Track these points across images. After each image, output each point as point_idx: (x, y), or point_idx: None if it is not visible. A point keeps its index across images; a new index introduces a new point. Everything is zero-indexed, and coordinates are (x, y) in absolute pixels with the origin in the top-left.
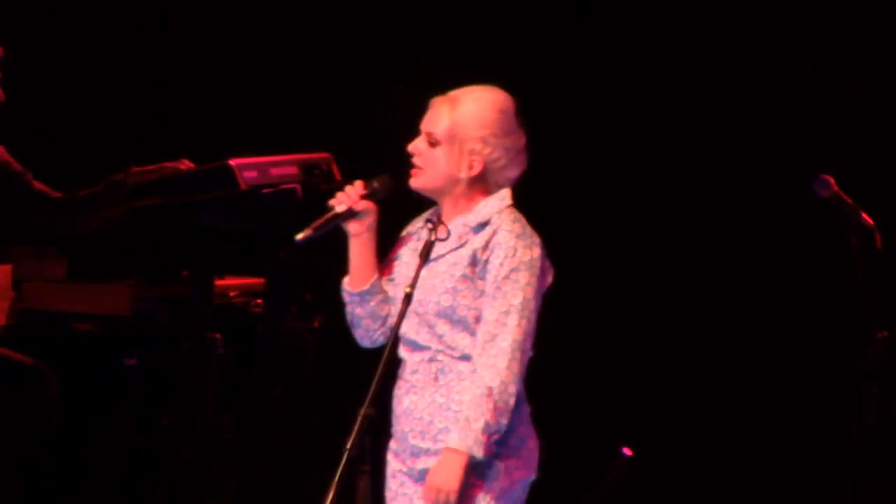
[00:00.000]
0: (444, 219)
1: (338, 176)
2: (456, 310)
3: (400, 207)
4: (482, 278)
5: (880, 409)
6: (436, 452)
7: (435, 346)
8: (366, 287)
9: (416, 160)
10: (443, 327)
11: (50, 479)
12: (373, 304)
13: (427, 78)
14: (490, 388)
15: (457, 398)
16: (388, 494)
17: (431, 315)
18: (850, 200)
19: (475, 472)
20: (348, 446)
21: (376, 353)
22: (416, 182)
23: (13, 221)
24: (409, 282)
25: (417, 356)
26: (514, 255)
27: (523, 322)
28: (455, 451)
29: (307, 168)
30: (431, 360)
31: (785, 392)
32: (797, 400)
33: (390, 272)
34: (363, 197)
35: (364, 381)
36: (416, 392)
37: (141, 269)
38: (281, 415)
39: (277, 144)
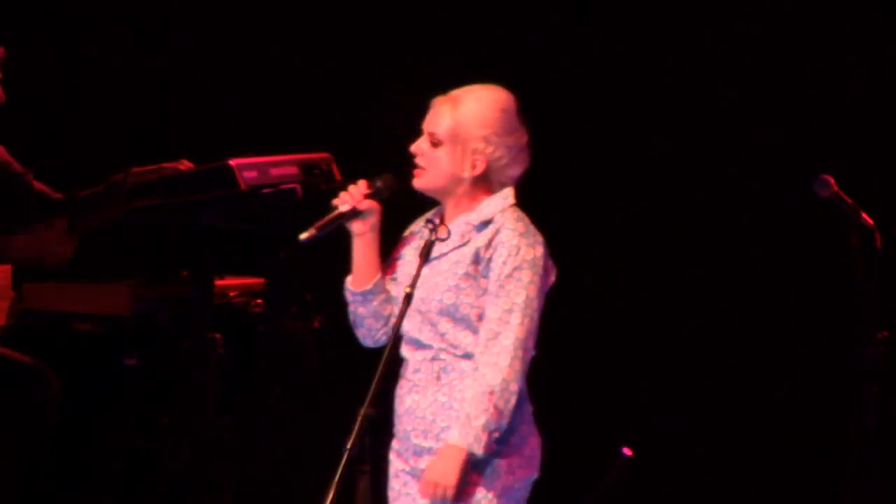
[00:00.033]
0: (446, 218)
1: (338, 176)
2: (459, 308)
3: (402, 207)
4: (485, 276)
5: (880, 409)
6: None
7: (437, 344)
8: (369, 287)
9: (418, 160)
10: (445, 325)
11: (50, 479)
12: (375, 303)
13: (427, 78)
14: (492, 386)
15: (459, 397)
16: (391, 494)
17: (434, 313)
18: (850, 200)
19: (477, 471)
20: (348, 446)
21: (376, 352)
22: (420, 182)
23: (13, 221)
24: (410, 281)
25: (420, 355)
26: (517, 254)
27: (526, 320)
28: (454, 446)
29: (307, 168)
30: (434, 358)
31: (785, 392)
32: (797, 400)
33: (393, 272)
34: (367, 196)
35: (364, 381)
36: (418, 391)
37: (141, 269)
38: (281, 415)
39: (277, 144)
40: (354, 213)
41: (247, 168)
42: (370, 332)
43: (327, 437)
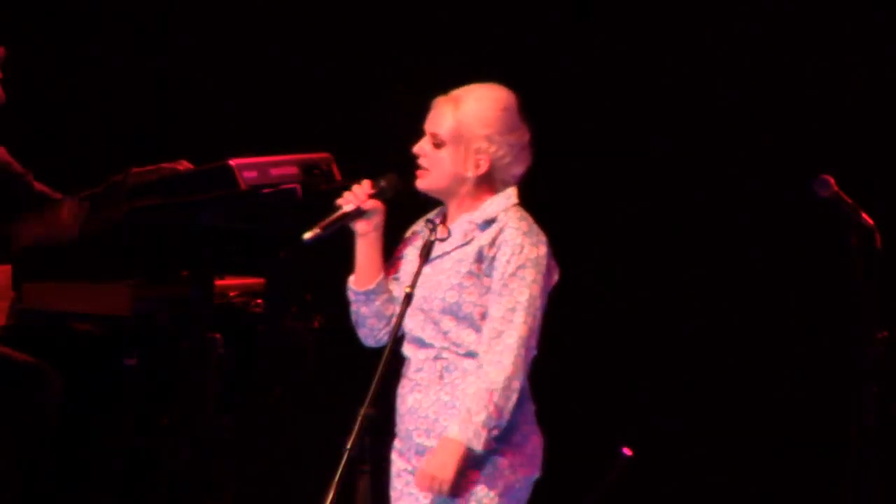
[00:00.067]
0: (449, 218)
1: (338, 176)
2: (462, 306)
3: (405, 207)
4: (488, 275)
5: (880, 409)
6: None
7: (440, 343)
8: (371, 286)
9: (421, 161)
10: (448, 324)
11: (50, 479)
12: (378, 303)
13: (427, 78)
14: (494, 384)
15: (462, 396)
16: (393, 494)
17: (437, 312)
18: (850, 200)
19: (479, 469)
20: (348, 446)
21: (376, 352)
22: (423, 183)
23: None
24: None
25: (422, 354)
26: (520, 252)
27: (529, 319)
28: (453, 441)
29: (307, 168)
30: (437, 357)
31: (785, 392)
32: (797, 400)
33: (395, 272)
34: (371, 196)
35: (364, 381)
36: (420, 390)
37: (141, 269)
38: (281, 415)
39: (277, 144)
40: (359, 213)
41: (247, 168)
42: (372, 332)
43: (327, 437)
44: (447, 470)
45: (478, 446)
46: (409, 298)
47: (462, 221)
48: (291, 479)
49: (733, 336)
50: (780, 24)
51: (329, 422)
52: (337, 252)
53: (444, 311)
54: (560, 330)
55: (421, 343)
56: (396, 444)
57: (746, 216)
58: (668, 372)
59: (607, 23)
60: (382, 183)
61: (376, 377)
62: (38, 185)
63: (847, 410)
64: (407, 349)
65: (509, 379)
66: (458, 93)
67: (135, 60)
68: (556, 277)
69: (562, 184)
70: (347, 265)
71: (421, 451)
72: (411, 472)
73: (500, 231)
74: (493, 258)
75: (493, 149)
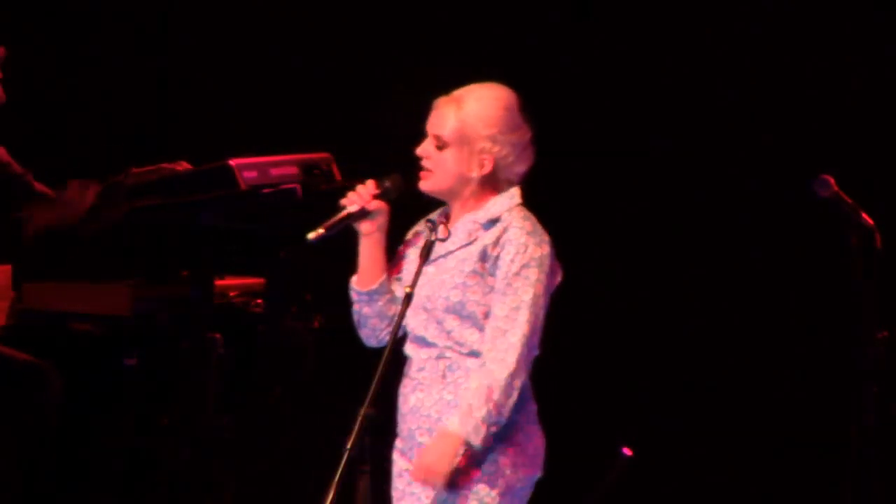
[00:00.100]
0: (453, 218)
1: (338, 176)
2: (465, 305)
3: (408, 208)
4: (492, 274)
5: (880, 409)
6: None
7: (443, 342)
8: (374, 286)
9: (425, 163)
10: (452, 323)
11: (50, 479)
12: (381, 303)
13: (427, 78)
14: (497, 381)
15: (464, 392)
16: (395, 494)
17: (440, 311)
18: (850, 200)
19: (481, 468)
20: (348, 446)
21: (376, 352)
22: (427, 185)
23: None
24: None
25: (425, 353)
26: (525, 252)
27: (532, 318)
28: (452, 433)
29: (307, 168)
30: (440, 357)
31: (785, 392)
32: (797, 400)
33: (398, 272)
34: (375, 197)
35: (364, 381)
36: (422, 389)
37: (141, 269)
38: (281, 415)
39: (277, 144)
40: (363, 214)
41: (247, 168)
42: (374, 332)
43: (327, 437)
44: (443, 462)
45: (476, 441)
46: (409, 298)
47: (466, 221)
48: (291, 479)
49: (733, 336)
50: (780, 24)
51: (329, 422)
52: (337, 252)
53: (447, 310)
54: (560, 330)
55: (424, 342)
56: (398, 443)
57: (746, 216)
58: (668, 372)
59: (607, 23)
60: (387, 183)
61: (376, 377)
62: (38, 185)
63: (847, 410)
64: (409, 348)
65: (511, 377)
66: (459, 93)
67: (135, 60)
68: (558, 278)
69: (562, 184)
70: (348, 265)
71: None
72: None
73: (505, 230)
74: (497, 257)
75: (496, 148)
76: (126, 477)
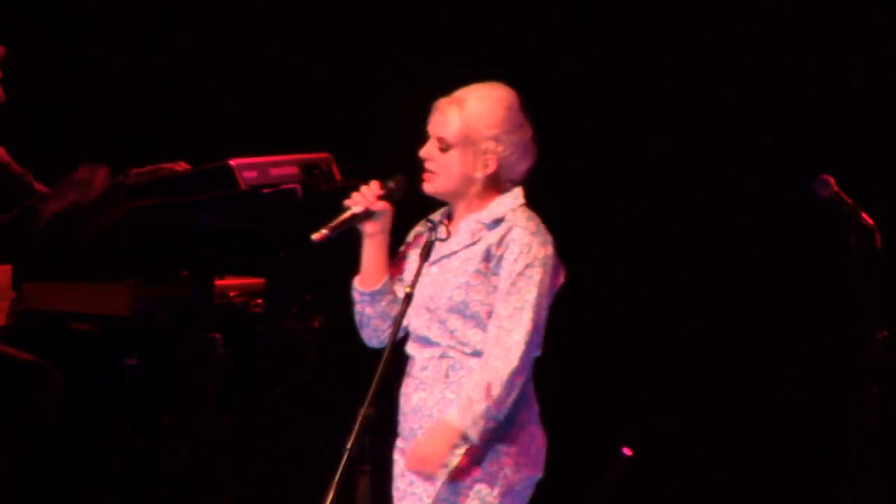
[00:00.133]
0: (456, 219)
1: (338, 176)
2: (469, 305)
3: (411, 209)
4: (496, 274)
5: (880, 409)
6: None
7: (446, 342)
8: (377, 287)
9: (428, 165)
10: (455, 322)
11: (50, 479)
12: (383, 304)
13: (427, 78)
14: (499, 377)
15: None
16: (396, 494)
17: (443, 310)
18: (850, 200)
19: (482, 467)
20: (348, 446)
21: (376, 352)
22: (431, 187)
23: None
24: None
25: (427, 352)
26: (528, 252)
27: (536, 318)
28: (450, 425)
29: (307, 168)
30: (442, 356)
31: (785, 392)
32: (797, 400)
33: (400, 273)
34: (380, 198)
35: (364, 381)
36: (425, 389)
37: (141, 269)
38: (281, 415)
39: (277, 144)
40: (367, 215)
41: (247, 168)
42: (376, 333)
43: (327, 437)
44: (439, 453)
45: (474, 435)
46: (409, 299)
47: (469, 221)
48: (291, 479)
49: (733, 336)
50: (780, 24)
51: (329, 422)
52: (337, 252)
53: (450, 310)
54: (561, 330)
55: (426, 342)
56: (399, 443)
57: (746, 216)
58: (668, 372)
59: (607, 23)
60: (391, 184)
61: (376, 377)
62: (38, 185)
63: (847, 410)
64: (411, 348)
65: (513, 374)
66: (460, 94)
67: (135, 60)
68: (562, 278)
69: (562, 184)
70: (348, 265)
71: None
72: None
73: (509, 230)
74: (501, 257)
75: (500, 148)
76: (126, 477)
